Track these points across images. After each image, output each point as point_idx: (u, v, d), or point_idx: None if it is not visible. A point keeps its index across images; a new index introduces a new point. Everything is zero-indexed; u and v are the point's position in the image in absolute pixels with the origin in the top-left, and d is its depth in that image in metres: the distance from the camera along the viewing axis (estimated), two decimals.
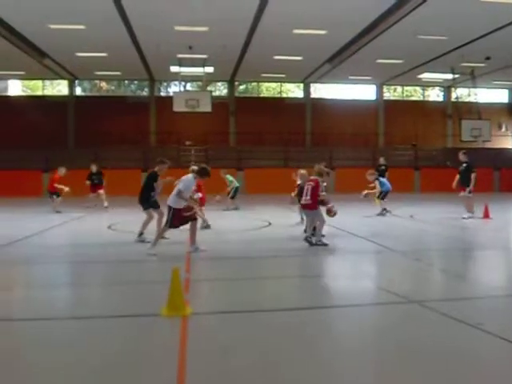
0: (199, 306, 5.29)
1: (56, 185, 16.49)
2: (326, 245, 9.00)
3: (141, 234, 9.93)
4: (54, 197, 16.51)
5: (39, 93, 33.44)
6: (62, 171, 16.86)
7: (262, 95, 35.49)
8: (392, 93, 36.70)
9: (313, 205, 9.21)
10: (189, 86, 32.54)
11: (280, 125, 32.30)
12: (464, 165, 14.00)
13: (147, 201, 9.93)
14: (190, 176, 8.86)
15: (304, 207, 9.43)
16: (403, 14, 18.29)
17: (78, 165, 28.40)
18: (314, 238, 9.37)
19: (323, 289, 6.53)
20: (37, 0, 17.07)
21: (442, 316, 4.94)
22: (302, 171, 13.21)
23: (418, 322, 4.89)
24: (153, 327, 4.82)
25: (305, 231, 10.71)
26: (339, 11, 18.34)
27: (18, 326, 4.96)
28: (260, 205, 18.77)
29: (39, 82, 33.34)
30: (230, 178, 17.29)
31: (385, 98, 35.41)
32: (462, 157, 14.23)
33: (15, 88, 34.06)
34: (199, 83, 31.30)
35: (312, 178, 9.50)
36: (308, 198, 9.23)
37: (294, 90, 35.95)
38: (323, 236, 9.53)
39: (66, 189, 16.39)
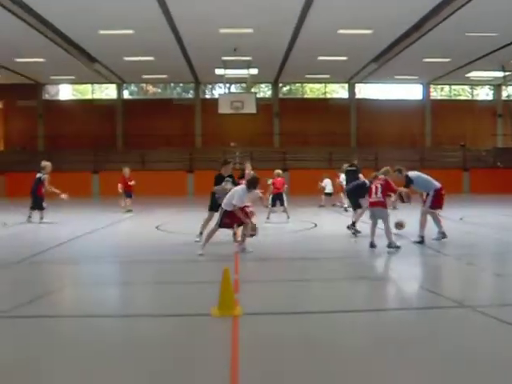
0: (250, 306, 5.30)
1: (129, 183, 17.39)
2: (398, 247, 8.83)
3: (200, 233, 9.96)
4: (126, 197, 17.27)
5: (88, 97, 34.49)
6: (126, 172, 17.72)
7: (306, 96, 35.39)
8: (439, 92, 35.87)
9: (383, 203, 9.11)
10: (233, 88, 32.79)
11: (324, 126, 32.12)
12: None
13: (213, 202, 9.93)
14: (241, 189, 8.74)
15: (373, 205, 9.24)
16: (451, 10, 17.88)
17: (127, 166, 29.07)
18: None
19: (374, 291, 6.46)
20: (88, 8, 17.62)
21: (496, 321, 4.79)
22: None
23: (470, 328, 4.77)
24: (204, 327, 4.88)
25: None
26: (385, 10, 18.09)
27: (69, 323, 5.12)
28: (305, 206, 18.69)
29: (88, 86, 34.37)
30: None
31: (432, 98, 34.66)
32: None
33: (66, 92, 35.27)
34: (243, 85, 31.52)
35: (381, 177, 9.42)
36: (379, 195, 9.12)
37: (338, 91, 35.66)
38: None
39: (132, 183, 17.48)
